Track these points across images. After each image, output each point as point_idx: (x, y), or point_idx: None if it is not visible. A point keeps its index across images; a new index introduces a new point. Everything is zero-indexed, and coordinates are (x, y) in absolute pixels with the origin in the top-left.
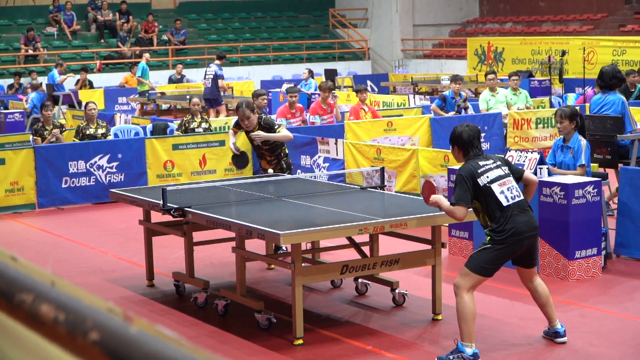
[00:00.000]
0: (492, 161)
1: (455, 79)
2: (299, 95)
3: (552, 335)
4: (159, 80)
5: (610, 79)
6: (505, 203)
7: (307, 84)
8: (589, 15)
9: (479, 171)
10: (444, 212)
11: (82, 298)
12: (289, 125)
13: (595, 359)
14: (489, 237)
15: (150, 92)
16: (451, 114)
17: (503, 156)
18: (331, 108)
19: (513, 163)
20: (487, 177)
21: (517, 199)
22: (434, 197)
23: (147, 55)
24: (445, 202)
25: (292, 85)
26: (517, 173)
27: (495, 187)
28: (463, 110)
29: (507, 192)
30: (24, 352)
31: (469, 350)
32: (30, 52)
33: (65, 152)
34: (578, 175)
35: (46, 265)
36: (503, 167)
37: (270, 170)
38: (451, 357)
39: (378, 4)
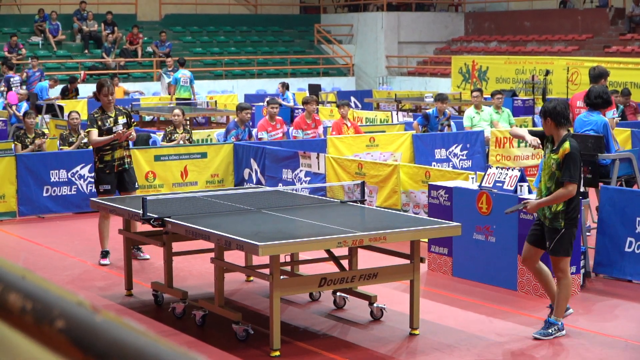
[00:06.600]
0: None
1: (440, 98)
2: (279, 107)
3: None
4: (144, 92)
5: (594, 98)
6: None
7: (284, 98)
8: (574, 36)
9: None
10: (423, 227)
11: (50, 289)
12: (270, 139)
13: None
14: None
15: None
16: None
17: (572, 148)
18: (316, 124)
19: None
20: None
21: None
22: None
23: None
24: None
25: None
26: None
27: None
28: (445, 128)
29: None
30: None
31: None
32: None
33: (47, 160)
34: None
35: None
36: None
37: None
38: (550, 331)
39: (364, 21)
